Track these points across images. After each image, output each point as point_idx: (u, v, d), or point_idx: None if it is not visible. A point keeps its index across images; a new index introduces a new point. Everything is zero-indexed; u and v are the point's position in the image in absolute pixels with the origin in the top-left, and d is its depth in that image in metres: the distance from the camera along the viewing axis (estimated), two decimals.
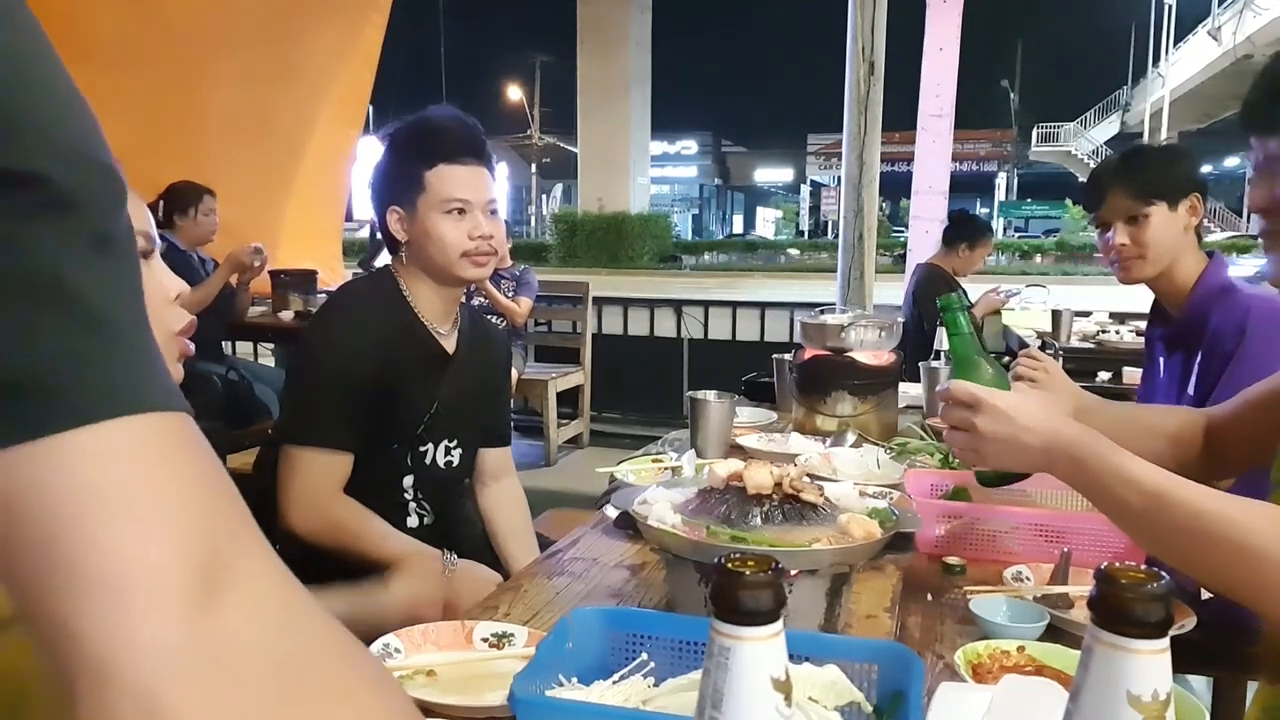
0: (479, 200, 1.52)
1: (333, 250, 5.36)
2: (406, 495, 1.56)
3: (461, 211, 1.50)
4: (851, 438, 1.97)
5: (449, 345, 1.58)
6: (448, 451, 1.60)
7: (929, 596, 1.24)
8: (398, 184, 1.51)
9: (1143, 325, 2.12)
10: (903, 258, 6.93)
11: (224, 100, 4.18)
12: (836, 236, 4.92)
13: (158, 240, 1.00)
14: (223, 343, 4.06)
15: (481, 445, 1.70)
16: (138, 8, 3.60)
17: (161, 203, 3.53)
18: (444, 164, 1.49)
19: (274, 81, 4.40)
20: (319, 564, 1.39)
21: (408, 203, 1.50)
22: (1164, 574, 0.51)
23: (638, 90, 20.69)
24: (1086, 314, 4.75)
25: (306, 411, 1.46)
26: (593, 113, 20.35)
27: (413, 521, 1.58)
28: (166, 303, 0.96)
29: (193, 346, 1.00)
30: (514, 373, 4.42)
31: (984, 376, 1.18)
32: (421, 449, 1.56)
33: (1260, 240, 1.02)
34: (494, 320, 4.69)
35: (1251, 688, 1.84)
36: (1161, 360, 1.85)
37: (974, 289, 4.21)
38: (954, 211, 4.75)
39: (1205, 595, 1.61)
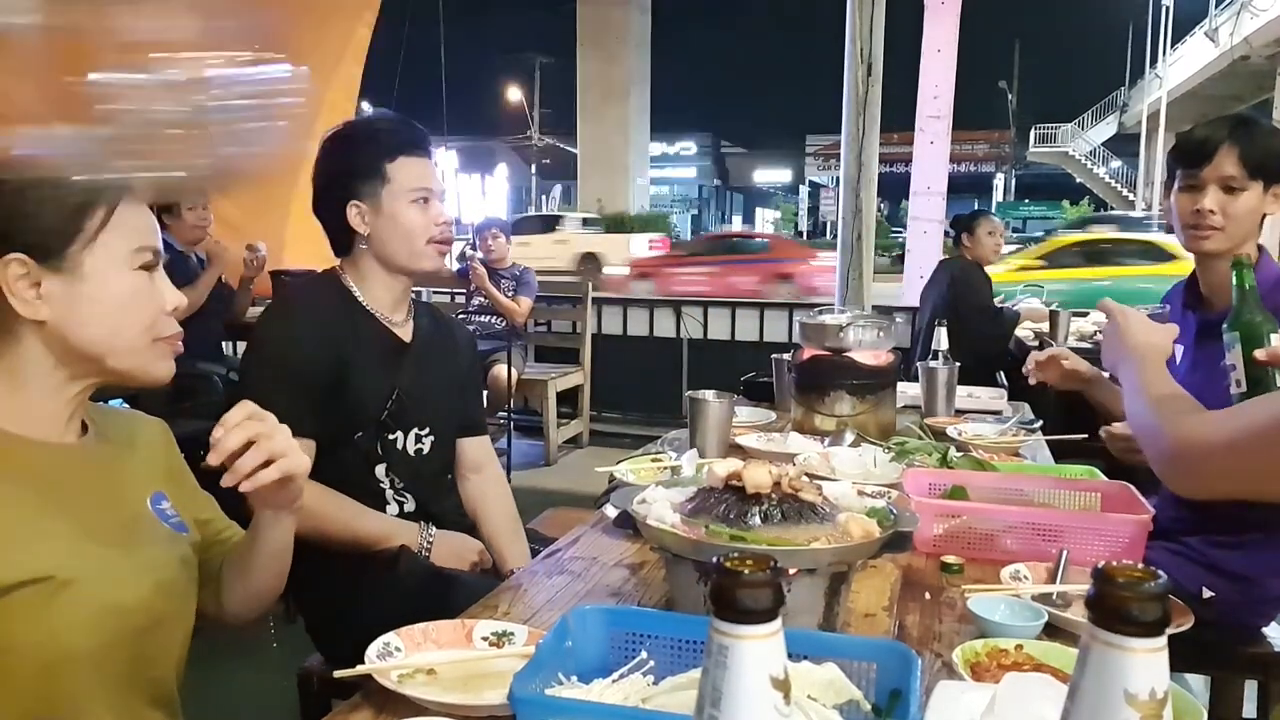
0: (438, 189, 1.59)
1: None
2: (382, 484, 1.58)
3: (425, 200, 1.56)
4: (850, 437, 1.97)
5: (404, 334, 1.61)
6: (419, 439, 1.61)
7: (927, 595, 1.25)
8: (358, 178, 1.54)
9: None
10: (901, 258, 6.93)
11: None
12: (835, 236, 4.93)
13: (163, 252, 1.02)
14: (223, 343, 4.06)
15: (459, 435, 1.72)
16: (152, 15, 3.60)
17: (155, 207, 3.53)
18: (403, 156, 1.55)
19: None
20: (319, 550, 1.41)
21: (370, 195, 1.54)
22: (1161, 573, 0.51)
23: (637, 91, 20.70)
24: (1084, 314, 4.76)
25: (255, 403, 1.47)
26: (592, 114, 20.36)
27: (392, 510, 1.59)
28: (162, 313, 1.01)
29: (182, 348, 1.03)
30: (514, 372, 4.43)
31: (1260, 327, 1.37)
32: (390, 436, 1.57)
33: None
34: (494, 320, 4.70)
35: (1250, 687, 1.84)
36: (1184, 347, 1.75)
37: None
38: (952, 219, 4.83)
39: (1207, 594, 1.61)
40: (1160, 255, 10.08)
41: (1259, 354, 1.31)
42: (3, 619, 0.88)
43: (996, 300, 4.44)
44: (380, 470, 1.57)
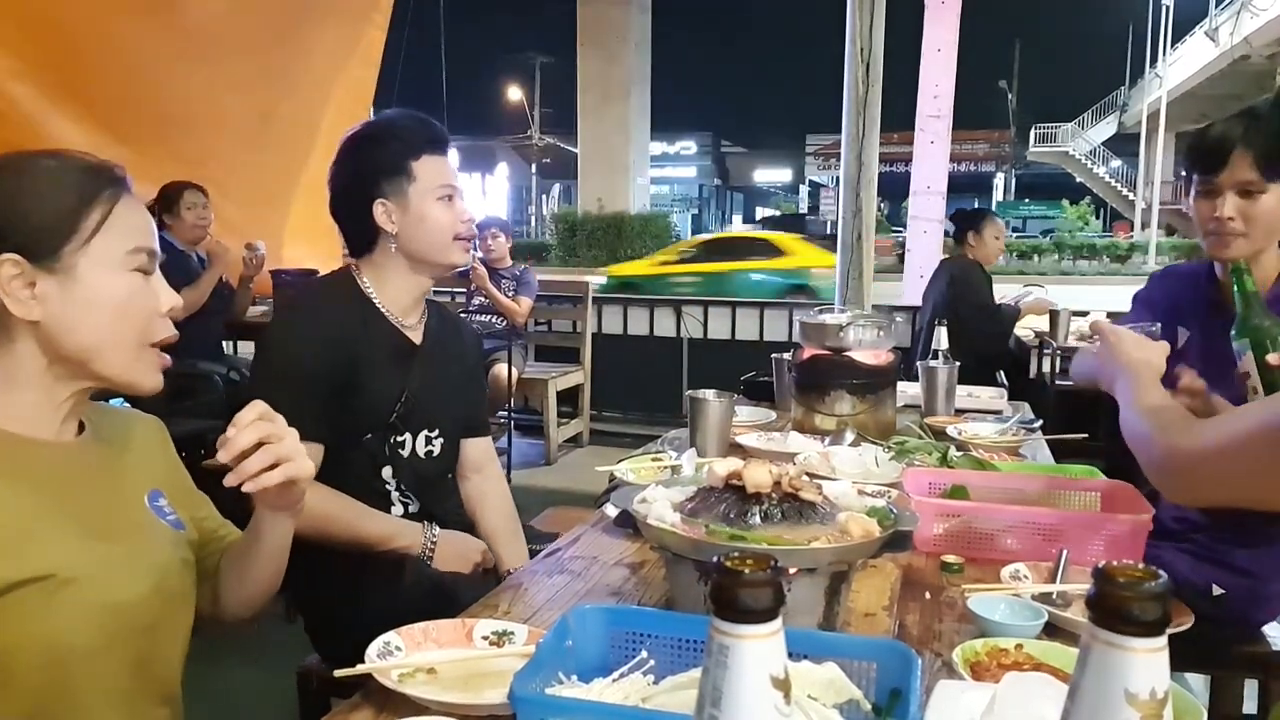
0: (459, 186, 1.60)
1: (336, 250, 5.36)
2: (388, 485, 1.58)
3: (450, 197, 1.57)
4: (850, 436, 1.98)
5: (415, 337, 1.60)
6: (428, 441, 1.61)
7: (927, 595, 1.25)
8: (384, 176, 1.54)
9: None
10: (901, 257, 6.92)
11: (234, 104, 4.18)
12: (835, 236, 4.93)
13: (159, 253, 1.02)
14: (223, 343, 4.06)
15: (464, 436, 1.72)
16: (151, 14, 3.60)
17: (157, 207, 3.54)
18: (426, 154, 1.56)
19: (281, 85, 4.41)
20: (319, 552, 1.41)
21: (396, 193, 1.54)
22: (1162, 572, 0.51)
23: (637, 90, 20.68)
24: (1084, 314, 4.75)
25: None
26: (593, 113, 20.34)
27: (397, 511, 1.59)
28: (157, 315, 1.00)
29: (169, 360, 1.02)
30: (514, 372, 4.42)
31: (1267, 332, 1.34)
32: (398, 439, 1.57)
33: None
34: (494, 320, 4.70)
35: (1250, 686, 1.84)
36: (1187, 331, 1.72)
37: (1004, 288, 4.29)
38: (952, 213, 4.80)
39: (1216, 592, 1.60)
40: (773, 251, 12.28)
41: (1271, 359, 1.30)
42: (5, 618, 0.88)
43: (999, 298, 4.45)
44: (386, 472, 1.57)
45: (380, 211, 1.54)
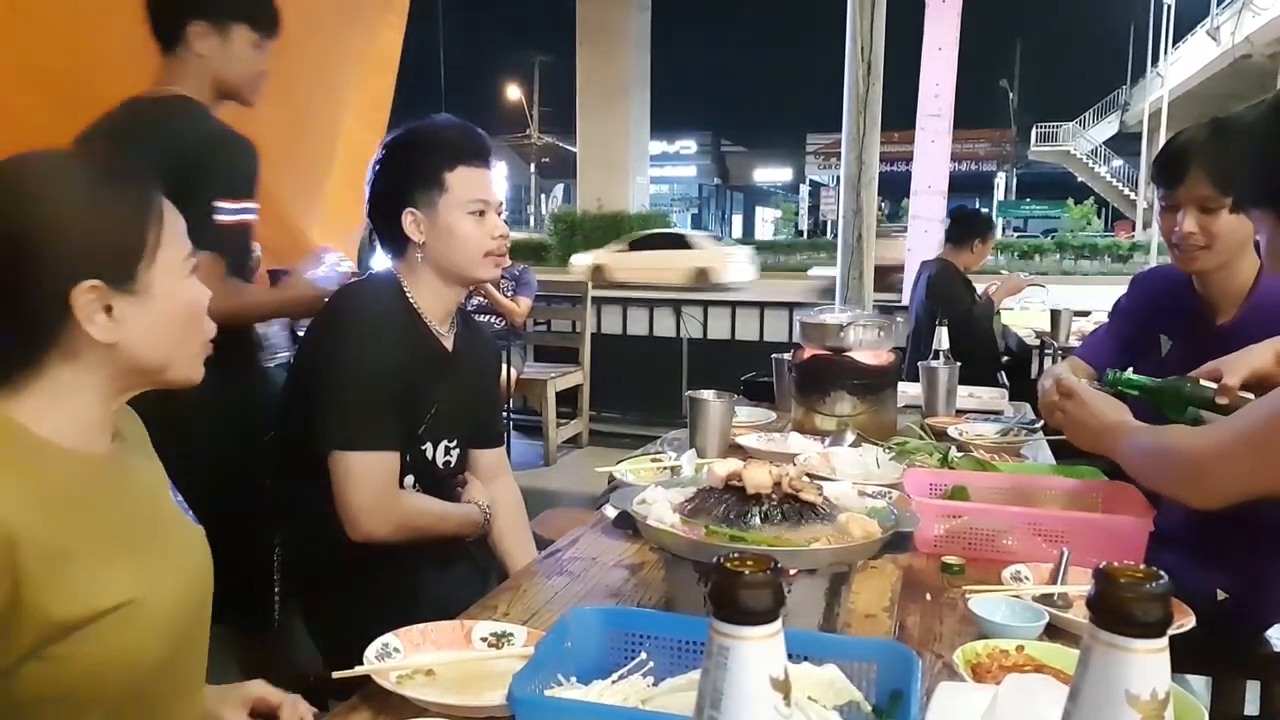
0: (494, 201, 1.56)
1: (350, 255, 5.37)
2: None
3: (482, 213, 1.53)
4: (850, 437, 1.97)
5: (448, 345, 1.59)
6: (447, 451, 1.61)
7: (928, 596, 1.24)
8: (415, 186, 1.51)
9: None
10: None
11: (269, 113, 4.17)
12: (835, 236, 4.92)
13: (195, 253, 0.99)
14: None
15: (473, 445, 1.71)
16: None
17: None
18: (463, 166, 1.52)
19: (309, 92, 4.39)
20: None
21: (426, 204, 1.51)
22: (1163, 573, 0.51)
23: (637, 90, 20.72)
24: (1085, 313, 4.75)
25: (353, 416, 1.45)
26: (592, 112, 20.38)
27: None
28: (205, 314, 0.99)
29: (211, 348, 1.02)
30: (513, 372, 4.42)
31: (1202, 393, 1.37)
32: (422, 448, 1.57)
33: None
34: (493, 320, 4.70)
35: (1251, 687, 1.84)
36: (1169, 340, 1.73)
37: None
38: (955, 209, 4.73)
39: (1221, 596, 1.60)
40: None
41: (1221, 400, 1.35)
42: (90, 644, 0.87)
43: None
44: (408, 481, 1.56)
45: (409, 221, 1.51)
